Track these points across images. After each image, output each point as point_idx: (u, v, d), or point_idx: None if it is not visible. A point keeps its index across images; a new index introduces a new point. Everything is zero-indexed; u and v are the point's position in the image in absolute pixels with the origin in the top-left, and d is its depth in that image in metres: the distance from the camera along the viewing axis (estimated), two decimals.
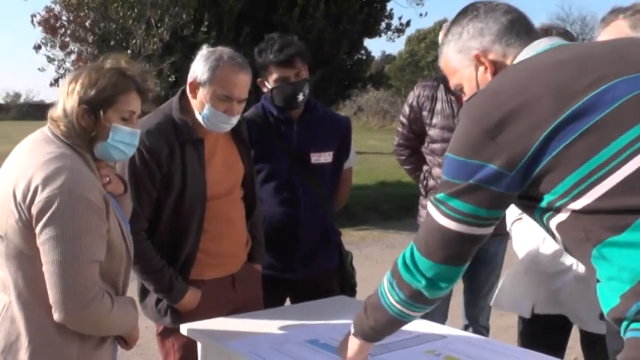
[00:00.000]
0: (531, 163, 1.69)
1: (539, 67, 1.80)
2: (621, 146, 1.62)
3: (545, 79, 1.75)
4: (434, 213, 1.86)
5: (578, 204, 1.66)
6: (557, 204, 1.70)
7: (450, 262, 1.89)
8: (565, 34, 3.15)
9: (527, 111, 1.69)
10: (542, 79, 1.75)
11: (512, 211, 3.12)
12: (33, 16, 11.55)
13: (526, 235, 3.08)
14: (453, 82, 2.08)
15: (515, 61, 1.90)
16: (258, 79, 3.44)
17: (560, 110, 1.67)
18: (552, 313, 3.04)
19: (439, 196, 1.84)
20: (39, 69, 12.43)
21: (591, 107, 1.66)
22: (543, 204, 1.73)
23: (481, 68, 1.95)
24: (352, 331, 2.22)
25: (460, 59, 2.00)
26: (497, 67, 1.93)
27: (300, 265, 3.47)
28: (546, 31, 3.07)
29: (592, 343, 3.04)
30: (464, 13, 2.01)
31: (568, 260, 2.94)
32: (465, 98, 2.06)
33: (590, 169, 1.63)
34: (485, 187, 1.74)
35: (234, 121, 2.96)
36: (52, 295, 2.13)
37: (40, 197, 2.10)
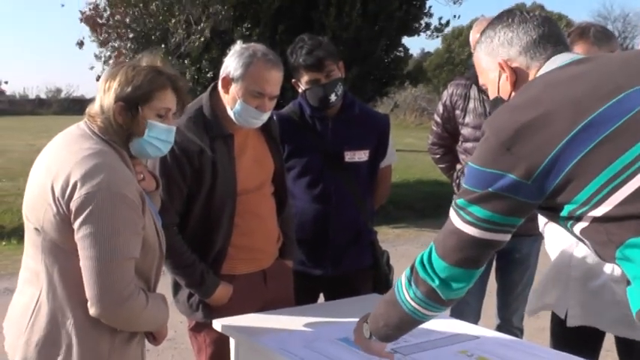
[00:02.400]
0: (548, 173, 1.74)
1: (555, 82, 1.85)
2: (636, 154, 1.67)
3: (561, 92, 1.81)
4: (453, 217, 1.92)
5: (599, 211, 1.71)
6: (578, 212, 1.76)
7: (464, 264, 1.93)
8: (604, 32, 3.11)
9: (543, 123, 1.75)
10: (558, 93, 1.81)
11: None
12: (82, 12, 11.75)
13: (559, 237, 3.05)
14: (480, 80, 2.15)
15: (537, 74, 1.94)
16: (292, 80, 3.46)
17: (576, 122, 1.72)
18: (586, 325, 3.00)
19: (459, 201, 1.90)
20: (90, 68, 12.69)
21: (606, 118, 1.72)
22: (564, 213, 1.79)
23: (504, 75, 2.01)
24: (366, 330, 2.27)
25: (488, 62, 2.06)
26: (517, 77, 1.99)
27: (330, 262, 3.47)
28: (583, 30, 3.04)
29: (629, 347, 2.99)
30: (500, 18, 2.06)
31: (600, 263, 2.90)
32: (489, 97, 2.13)
33: (607, 178, 1.69)
34: (503, 195, 1.80)
35: (265, 117, 2.97)
36: (89, 290, 2.16)
37: (79, 193, 2.12)
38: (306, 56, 3.34)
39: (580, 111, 1.73)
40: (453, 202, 1.92)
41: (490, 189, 1.80)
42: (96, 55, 12.08)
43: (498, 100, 2.04)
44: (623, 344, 3.04)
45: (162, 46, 10.71)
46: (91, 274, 2.14)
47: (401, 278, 2.08)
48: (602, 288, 2.90)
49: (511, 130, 1.77)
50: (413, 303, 2.03)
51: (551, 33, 1.99)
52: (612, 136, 1.70)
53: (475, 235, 1.87)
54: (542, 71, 1.93)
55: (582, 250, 2.94)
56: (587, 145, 1.70)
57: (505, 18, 2.04)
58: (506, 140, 1.77)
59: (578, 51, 2.97)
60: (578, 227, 1.79)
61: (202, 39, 10.42)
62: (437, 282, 1.95)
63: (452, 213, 1.93)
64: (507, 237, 1.91)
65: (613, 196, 1.68)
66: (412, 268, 2.03)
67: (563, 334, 3.11)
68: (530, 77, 1.96)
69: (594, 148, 1.70)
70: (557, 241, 3.07)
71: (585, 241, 1.83)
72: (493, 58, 2.03)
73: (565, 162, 1.71)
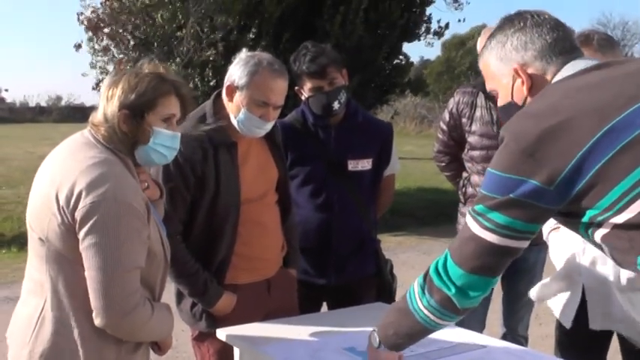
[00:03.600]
0: (570, 179, 1.73)
1: (576, 89, 1.84)
2: None
3: (583, 99, 1.79)
4: (471, 224, 1.89)
5: (620, 218, 1.70)
6: (600, 218, 1.74)
7: (481, 272, 1.91)
8: (607, 39, 3.10)
9: (565, 129, 1.74)
10: (579, 99, 1.80)
11: (549, 221, 3.08)
12: (79, 13, 11.70)
13: (563, 246, 3.03)
14: (489, 86, 2.11)
15: (553, 80, 1.92)
16: (296, 87, 3.45)
17: (598, 127, 1.71)
18: (605, 329, 2.99)
19: (477, 208, 1.87)
20: (82, 74, 12.59)
21: (628, 123, 1.71)
22: (585, 219, 1.77)
23: (518, 80, 1.98)
24: (374, 339, 2.23)
25: (500, 67, 2.02)
26: (534, 82, 1.96)
27: (333, 271, 3.46)
28: (587, 37, 3.03)
29: (633, 355, 2.98)
30: (511, 22, 2.02)
31: (607, 271, 2.89)
32: (498, 104, 2.10)
33: (631, 184, 1.68)
34: (525, 201, 1.78)
35: (269, 126, 2.96)
36: (95, 301, 2.14)
37: (84, 203, 2.11)
38: (309, 64, 3.33)
39: (602, 117, 1.72)
40: (471, 209, 1.90)
41: (511, 195, 1.78)
42: (91, 64, 12.02)
43: (511, 106, 2.01)
44: (628, 351, 3.02)
45: (167, 53, 10.69)
46: (96, 285, 2.13)
47: (413, 286, 2.05)
48: (614, 295, 2.88)
49: (532, 136, 1.76)
50: (426, 311, 2.00)
51: (566, 37, 1.97)
52: (635, 141, 1.69)
53: (494, 241, 1.84)
54: (559, 76, 1.91)
55: (589, 259, 2.93)
56: (610, 150, 1.69)
57: (517, 22, 2.00)
58: (527, 146, 1.76)
59: None
60: (599, 233, 1.77)
61: (215, 50, 10.40)
62: (453, 290, 1.92)
63: (469, 219, 1.90)
64: (526, 244, 1.89)
65: (636, 202, 1.67)
66: (425, 276, 2.01)
67: (568, 341, 3.10)
68: (547, 82, 1.93)
69: (617, 154, 1.68)
70: (563, 250, 3.06)
71: (604, 247, 1.81)
72: (506, 63, 2.00)
73: (588, 168, 1.70)
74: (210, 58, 10.40)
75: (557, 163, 1.72)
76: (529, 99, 1.97)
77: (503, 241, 1.84)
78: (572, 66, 1.91)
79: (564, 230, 2.91)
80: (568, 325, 3.03)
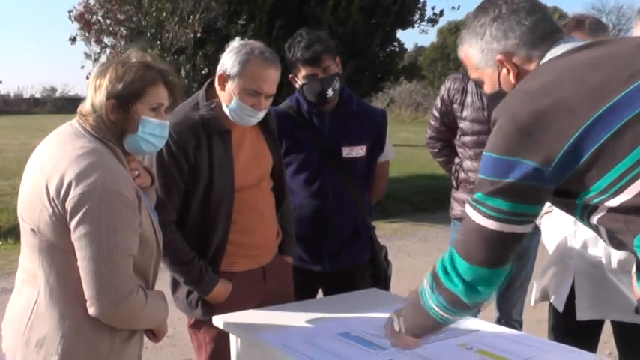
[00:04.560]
0: (567, 158, 1.69)
1: (569, 67, 1.81)
2: None
3: (578, 78, 1.76)
4: (472, 214, 1.84)
5: (616, 201, 1.69)
6: (595, 201, 1.72)
7: (490, 264, 1.85)
8: (598, 23, 3.12)
9: (562, 108, 1.71)
10: (575, 78, 1.77)
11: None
12: (70, 11, 11.68)
13: (555, 229, 3.06)
14: (473, 75, 2.09)
15: (541, 62, 1.90)
16: (290, 75, 3.45)
17: (595, 107, 1.69)
18: (594, 318, 3.02)
19: (477, 196, 1.82)
20: (81, 66, 12.65)
21: (627, 103, 1.68)
22: (580, 201, 1.76)
23: (504, 70, 1.96)
24: (398, 323, 2.19)
25: (482, 59, 2.00)
26: (520, 70, 1.94)
27: (328, 257, 3.48)
28: (578, 21, 3.04)
29: (627, 336, 3.00)
30: (485, 11, 1.99)
31: (598, 253, 2.92)
32: (486, 91, 2.08)
33: (627, 166, 1.65)
34: (524, 183, 1.74)
35: (261, 115, 2.97)
36: (88, 290, 2.15)
37: (75, 193, 2.11)
38: (303, 51, 3.34)
39: (599, 97, 1.69)
40: (470, 199, 1.86)
41: (510, 178, 1.74)
42: (86, 54, 12.02)
43: (500, 94, 1.99)
44: (621, 333, 3.05)
45: (158, 41, 10.67)
46: (89, 274, 2.13)
47: (423, 284, 2.02)
48: (605, 278, 2.91)
49: (527, 115, 1.73)
50: (438, 309, 1.98)
51: (545, 18, 1.95)
52: (632, 122, 1.66)
53: (498, 229, 1.80)
54: (548, 57, 1.89)
55: (580, 241, 2.95)
56: (608, 130, 1.66)
57: (491, 10, 1.97)
58: (523, 126, 1.73)
59: None
60: (595, 215, 1.75)
61: (194, 35, 10.37)
62: (460, 286, 1.87)
63: (469, 210, 1.85)
64: (530, 227, 1.85)
65: (632, 185, 1.65)
66: (434, 274, 1.97)
67: (562, 326, 3.13)
68: (534, 66, 1.91)
69: (614, 135, 1.66)
70: (554, 233, 3.08)
71: (600, 228, 1.79)
72: (488, 54, 1.97)
73: (586, 147, 1.67)
74: (193, 45, 10.34)
75: (555, 143, 1.70)
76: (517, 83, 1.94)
77: (507, 227, 1.80)
78: (560, 47, 1.89)
79: (557, 213, 2.94)
80: (560, 308, 3.06)
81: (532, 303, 3.30)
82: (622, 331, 3.03)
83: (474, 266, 1.85)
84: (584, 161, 1.69)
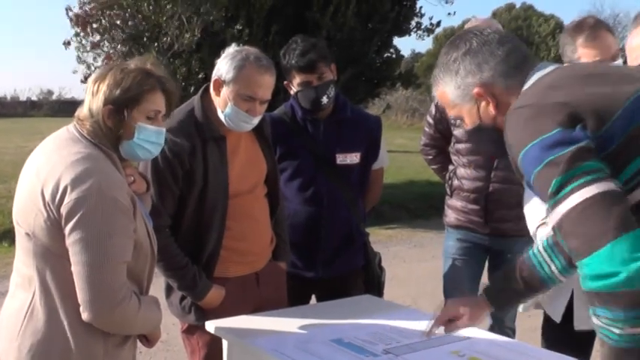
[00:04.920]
0: (607, 132, 1.66)
1: (575, 75, 1.82)
2: None
3: (591, 82, 1.76)
4: (572, 199, 1.61)
5: (634, 197, 1.64)
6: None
7: (625, 226, 1.56)
8: (600, 23, 3.13)
9: (596, 89, 1.70)
10: (585, 83, 1.76)
11: (536, 216, 3.11)
12: (68, 9, 11.64)
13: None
14: (451, 113, 2.06)
15: (524, 89, 1.87)
16: (285, 82, 3.46)
17: (626, 96, 1.68)
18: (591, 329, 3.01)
19: (559, 180, 1.63)
20: (73, 71, 12.56)
21: None
22: None
23: (483, 103, 1.94)
24: None
25: (459, 95, 1.98)
26: (499, 100, 1.92)
27: (321, 264, 3.49)
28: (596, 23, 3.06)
29: None
30: (455, 47, 1.98)
31: None
32: (466, 127, 2.05)
33: None
34: (587, 144, 1.64)
35: (256, 121, 2.97)
36: (82, 295, 2.15)
37: (70, 198, 2.12)
38: (298, 58, 3.34)
39: (623, 90, 1.68)
40: (551, 200, 1.64)
41: (571, 145, 1.62)
42: (79, 58, 11.98)
43: (482, 128, 1.97)
44: None
45: (155, 45, 10.67)
46: (82, 280, 2.13)
47: (597, 324, 1.66)
48: None
49: (555, 98, 1.70)
50: (629, 329, 1.57)
51: (516, 47, 1.94)
52: None
53: (605, 189, 1.59)
54: (531, 82, 1.87)
55: None
56: (633, 122, 1.64)
57: (462, 44, 1.96)
58: (556, 101, 1.68)
59: (609, 39, 3.01)
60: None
61: (193, 38, 10.38)
62: (623, 277, 1.53)
63: (566, 199, 1.61)
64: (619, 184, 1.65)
65: None
66: (595, 301, 1.62)
67: (555, 335, 3.13)
68: (514, 96, 1.88)
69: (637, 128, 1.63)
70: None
71: None
72: (465, 89, 1.95)
73: (616, 134, 1.64)
74: (191, 50, 10.37)
75: (592, 122, 1.65)
76: (499, 117, 1.92)
77: (609, 184, 1.60)
78: (541, 72, 1.88)
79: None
80: (558, 319, 3.05)
81: (521, 309, 3.30)
82: None
83: (616, 240, 1.55)
84: (612, 148, 1.66)
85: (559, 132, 1.65)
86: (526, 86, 1.88)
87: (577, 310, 3.00)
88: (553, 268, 2.16)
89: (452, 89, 1.98)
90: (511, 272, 2.37)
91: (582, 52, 3.03)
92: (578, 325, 3.00)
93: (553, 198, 1.65)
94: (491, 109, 1.93)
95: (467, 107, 1.98)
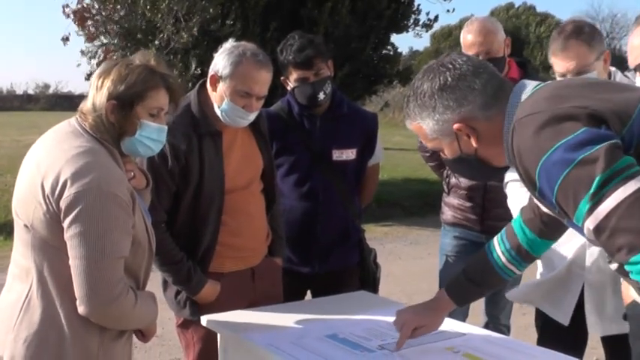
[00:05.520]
0: (628, 136, 1.64)
1: (576, 80, 1.81)
2: None
3: (595, 89, 1.74)
4: (614, 197, 1.56)
5: None
6: None
7: None
8: (592, 27, 3.10)
9: (606, 95, 1.69)
10: (588, 90, 1.74)
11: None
12: (65, 6, 11.65)
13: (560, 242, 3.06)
14: (429, 145, 2.02)
15: (511, 107, 1.84)
16: (282, 78, 3.46)
17: (635, 101, 1.67)
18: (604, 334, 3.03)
19: (601, 177, 1.57)
20: (77, 64, 12.59)
21: None
22: None
23: (464, 137, 1.91)
24: None
25: (437, 130, 1.94)
26: (480, 133, 1.90)
27: (316, 259, 3.49)
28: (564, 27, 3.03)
29: (615, 343, 3.01)
30: (429, 80, 1.92)
31: (582, 263, 2.92)
32: (446, 157, 2.02)
33: None
34: (615, 142, 1.61)
35: (252, 117, 2.98)
36: (79, 289, 2.15)
37: (69, 192, 2.12)
38: (295, 54, 3.35)
39: (632, 95, 1.67)
40: (592, 201, 1.58)
41: (607, 141, 1.58)
42: (82, 52, 12.01)
43: (462, 159, 1.95)
44: (609, 338, 3.05)
45: (151, 42, 10.66)
46: (80, 274, 2.14)
47: None
48: (609, 289, 2.91)
49: (567, 104, 1.66)
50: None
51: (491, 75, 1.90)
52: None
53: None
54: (524, 96, 1.83)
55: (596, 252, 2.91)
56: None
57: (436, 79, 1.90)
58: (572, 105, 1.64)
59: (572, 50, 2.95)
60: None
61: (190, 37, 10.37)
62: None
63: (609, 196, 1.56)
64: None
65: None
66: None
67: (550, 333, 3.13)
68: (496, 125, 1.86)
69: None
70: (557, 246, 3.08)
71: None
72: (444, 125, 1.91)
73: (636, 132, 1.62)
74: (190, 46, 10.37)
75: (614, 124, 1.62)
76: (481, 149, 1.91)
77: None
78: (527, 86, 1.87)
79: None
80: (566, 322, 3.01)
81: (510, 298, 3.29)
82: (611, 339, 3.04)
83: None
84: (636, 145, 1.64)
85: (585, 131, 1.60)
86: (515, 106, 1.83)
87: (589, 314, 2.98)
88: (505, 260, 2.21)
89: (430, 124, 1.94)
90: (471, 267, 2.42)
91: (553, 61, 3.01)
92: (593, 329, 2.98)
93: (595, 197, 1.58)
94: (473, 142, 1.90)
95: (447, 141, 1.95)
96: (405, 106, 1.99)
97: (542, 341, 3.14)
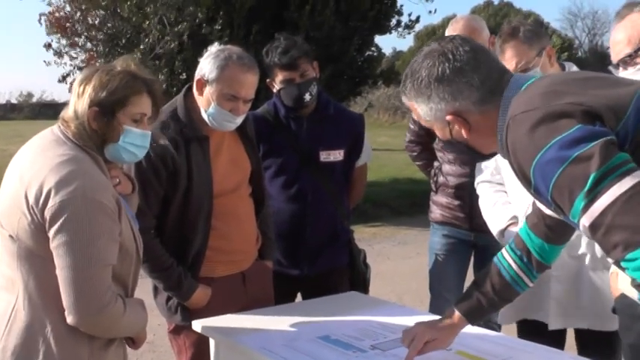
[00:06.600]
0: (623, 132, 1.63)
1: (570, 74, 1.83)
2: None
3: (592, 76, 1.76)
4: (610, 194, 1.53)
5: None
6: None
7: None
8: (534, 31, 3.10)
9: (599, 91, 1.67)
10: (584, 84, 1.74)
11: (500, 217, 3.14)
12: (41, 14, 11.59)
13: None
14: (422, 123, 2.01)
15: (507, 102, 1.82)
16: (267, 80, 3.46)
17: (629, 96, 1.66)
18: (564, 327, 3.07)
19: (596, 174, 1.54)
20: (44, 62, 12.38)
21: None
22: None
23: (456, 126, 1.90)
24: None
25: (431, 115, 1.93)
26: (472, 124, 1.88)
27: (306, 261, 3.49)
28: (513, 29, 3.06)
29: (589, 342, 3.03)
30: (427, 68, 1.89)
31: (581, 251, 2.94)
32: (439, 137, 2.03)
33: None
34: (611, 138, 1.59)
35: (239, 120, 2.97)
36: (66, 299, 2.13)
37: (54, 201, 2.10)
38: (280, 56, 3.35)
39: (625, 90, 1.66)
40: (588, 197, 1.55)
41: (601, 138, 1.56)
42: (57, 52, 11.91)
43: (453, 142, 1.95)
44: (584, 339, 3.09)
45: (136, 46, 10.63)
46: (67, 283, 2.12)
47: None
48: (582, 280, 2.94)
49: (563, 100, 1.64)
50: None
51: (491, 67, 1.88)
52: None
53: None
54: (521, 91, 1.81)
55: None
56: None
57: (434, 69, 1.87)
58: (568, 101, 1.62)
59: (510, 51, 3.00)
60: None
61: (178, 42, 10.35)
62: None
63: (604, 193, 1.53)
64: None
65: None
66: None
67: (528, 330, 3.13)
68: (489, 119, 1.85)
69: None
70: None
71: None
72: (437, 113, 1.90)
73: (630, 131, 1.61)
74: (176, 51, 10.35)
75: (609, 119, 1.61)
76: (471, 139, 1.91)
77: None
78: (525, 82, 1.84)
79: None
80: (556, 325, 3.06)
81: (498, 320, 3.33)
82: (585, 337, 3.06)
83: None
84: (631, 140, 1.62)
85: (580, 128, 1.57)
86: (511, 100, 1.81)
87: (552, 309, 3.02)
88: (516, 268, 2.16)
89: (424, 109, 1.93)
90: (482, 281, 2.32)
91: None
92: (552, 325, 3.02)
93: (590, 194, 1.55)
94: (464, 133, 1.90)
95: (439, 126, 1.94)
96: (402, 83, 1.98)
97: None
